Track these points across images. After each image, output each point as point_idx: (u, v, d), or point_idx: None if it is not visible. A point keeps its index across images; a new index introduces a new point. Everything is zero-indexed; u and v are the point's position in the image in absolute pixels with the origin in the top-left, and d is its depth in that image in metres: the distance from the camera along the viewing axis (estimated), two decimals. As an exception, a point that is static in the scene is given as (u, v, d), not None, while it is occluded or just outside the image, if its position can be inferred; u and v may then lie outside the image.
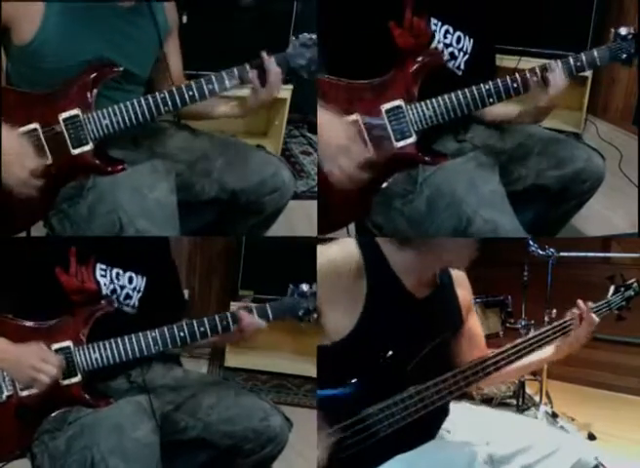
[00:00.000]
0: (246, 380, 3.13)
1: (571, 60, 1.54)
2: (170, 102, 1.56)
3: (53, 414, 1.41)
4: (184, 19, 2.62)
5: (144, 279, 1.57)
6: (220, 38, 2.85)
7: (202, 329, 1.46)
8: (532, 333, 1.46)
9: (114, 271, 1.53)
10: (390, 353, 1.27)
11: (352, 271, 1.29)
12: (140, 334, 1.44)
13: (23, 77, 1.58)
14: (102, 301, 1.47)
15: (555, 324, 1.48)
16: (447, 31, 1.61)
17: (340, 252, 1.31)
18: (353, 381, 1.26)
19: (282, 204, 1.84)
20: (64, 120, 1.53)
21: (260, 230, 1.92)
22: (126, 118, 1.54)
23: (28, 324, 1.44)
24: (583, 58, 1.54)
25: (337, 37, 1.61)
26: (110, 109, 1.54)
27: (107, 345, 1.43)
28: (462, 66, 1.65)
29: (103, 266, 1.51)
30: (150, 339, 1.44)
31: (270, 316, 1.48)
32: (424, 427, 1.34)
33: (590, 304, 1.52)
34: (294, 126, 3.55)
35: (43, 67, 1.54)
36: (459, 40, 1.63)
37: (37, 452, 1.39)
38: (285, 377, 3.16)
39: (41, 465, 1.38)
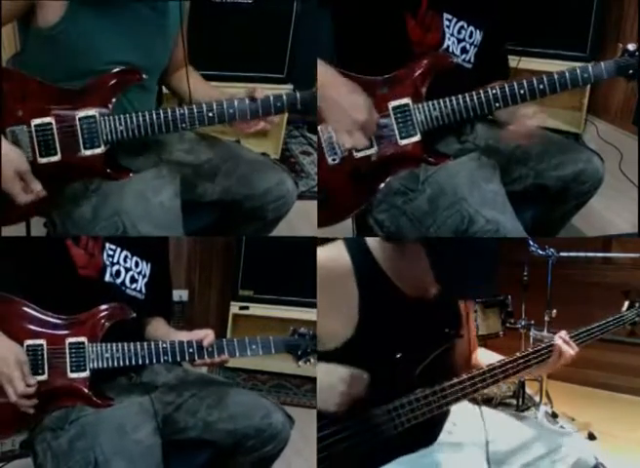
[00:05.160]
0: (246, 380, 3.13)
1: (578, 71, 1.53)
2: (188, 121, 1.55)
3: (54, 412, 1.41)
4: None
5: (149, 265, 1.60)
6: (220, 38, 2.85)
7: (210, 349, 1.50)
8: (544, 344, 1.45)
9: (123, 253, 1.55)
10: (399, 355, 1.27)
11: (340, 275, 1.27)
12: (152, 343, 1.47)
13: (43, 67, 1.53)
14: (120, 305, 1.48)
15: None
16: (462, 27, 1.62)
17: (326, 257, 1.29)
18: None
19: (284, 211, 1.86)
20: (80, 119, 1.51)
21: (260, 235, 1.93)
22: (142, 127, 1.53)
23: (46, 315, 1.44)
24: (590, 70, 1.53)
25: (351, 27, 1.59)
26: (128, 116, 1.52)
27: (120, 347, 1.45)
28: (473, 59, 1.66)
29: (113, 246, 1.53)
30: (161, 350, 1.47)
31: (273, 350, 1.55)
32: (426, 429, 1.33)
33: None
34: (294, 126, 3.56)
35: (66, 54, 1.51)
36: (471, 34, 1.64)
37: (39, 450, 1.40)
38: (285, 377, 3.16)
39: (43, 464, 1.39)
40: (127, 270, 1.56)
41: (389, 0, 1.55)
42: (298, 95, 1.58)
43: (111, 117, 1.52)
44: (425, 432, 1.32)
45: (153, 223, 1.53)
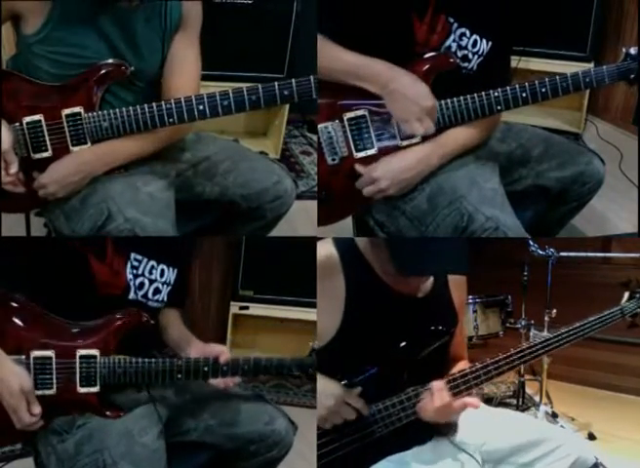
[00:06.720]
0: (246, 381, 3.12)
1: (580, 75, 1.52)
2: (176, 115, 1.52)
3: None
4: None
5: (175, 271, 1.55)
6: (220, 38, 2.84)
7: (225, 368, 1.47)
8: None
9: (149, 264, 1.49)
10: (403, 344, 1.26)
11: (328, 270, 1.29)
12: (167, 361, 1.42)
13: (32, 70, 1.55)
14: (136, 311, 1.43)
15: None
16: (463, 34, 1.57)
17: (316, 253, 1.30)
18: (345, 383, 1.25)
19: (283, 211, 1.84)
20: (67, 116, 1.53)
21: (261, 234, 1.92)
22: (127, 124, 1.53)
23: (61, 322, 1.39)
24: (593, 75, 1.52)
25: (356, 26, 1.56)
26: (112, 112, 1.53)
27: (134, 363, 1.40)
28: (475, 68, 1.61)
29: (139, 257, 1.48)
30: (175, 367, 1.42)
31: (285, 370, 1.50)
32: (422, 427, 1.33)
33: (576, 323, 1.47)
34: (294, 126, 3.55)
35: (49, 60, 1.53)
36: (475, 43, 1.58)
37: (42, 451, 1.39)
38: (285, 377, 3.16)
39: (46, 464, 1.38)
40: (151, 282, 1.50)
41: (396, 1, 1.54)
42: (293, 82, 1.53)
43: (96, 113, 1.53)
44: (420, 430, 1.33)
45: (141, 210, 1.52)
